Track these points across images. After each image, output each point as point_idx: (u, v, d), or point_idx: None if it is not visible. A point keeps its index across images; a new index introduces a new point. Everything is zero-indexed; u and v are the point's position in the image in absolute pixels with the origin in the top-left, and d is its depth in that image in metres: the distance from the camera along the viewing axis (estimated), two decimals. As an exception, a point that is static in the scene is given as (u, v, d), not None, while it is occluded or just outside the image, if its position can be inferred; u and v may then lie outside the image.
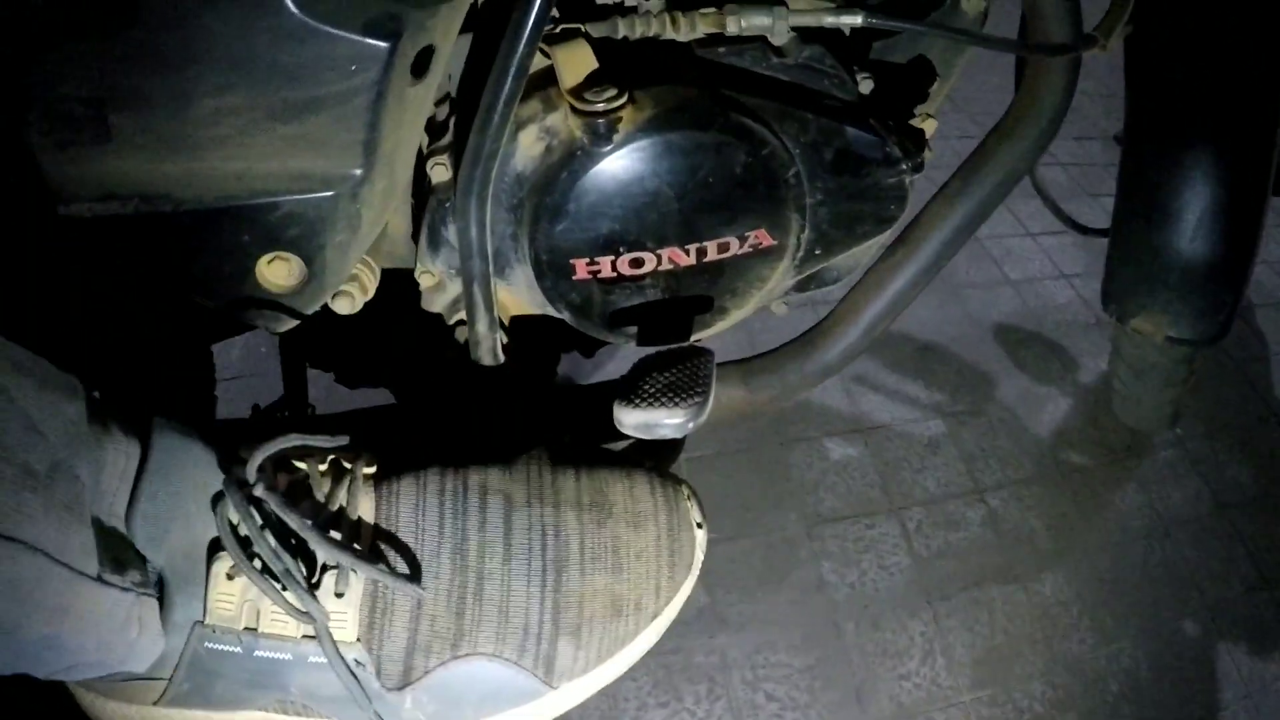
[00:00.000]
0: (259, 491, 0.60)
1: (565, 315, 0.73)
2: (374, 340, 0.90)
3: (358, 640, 0.62)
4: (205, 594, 0.60)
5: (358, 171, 0.61)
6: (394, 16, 0.54)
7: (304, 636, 0.61)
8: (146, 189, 0.59)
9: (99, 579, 0.53)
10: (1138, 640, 1.29)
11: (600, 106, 0.62)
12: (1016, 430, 1.47)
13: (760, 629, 1.16)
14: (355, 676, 0.62)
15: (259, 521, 0.60)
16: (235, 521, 0.60)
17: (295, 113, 0.56)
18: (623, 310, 0.73)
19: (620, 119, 0.63)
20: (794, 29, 0.69)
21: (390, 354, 0.93)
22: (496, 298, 0.71)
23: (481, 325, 0.73)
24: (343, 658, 0.61)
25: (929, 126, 0.82)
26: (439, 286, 0.74)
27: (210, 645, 0.60)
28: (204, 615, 0.60)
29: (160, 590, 0.59)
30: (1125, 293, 1.07)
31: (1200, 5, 0.92)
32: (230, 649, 0.61)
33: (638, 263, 0.70)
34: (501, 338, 0.75)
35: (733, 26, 0.66)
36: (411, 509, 0.66)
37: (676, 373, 0.70)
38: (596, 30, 0.65)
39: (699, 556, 0.71)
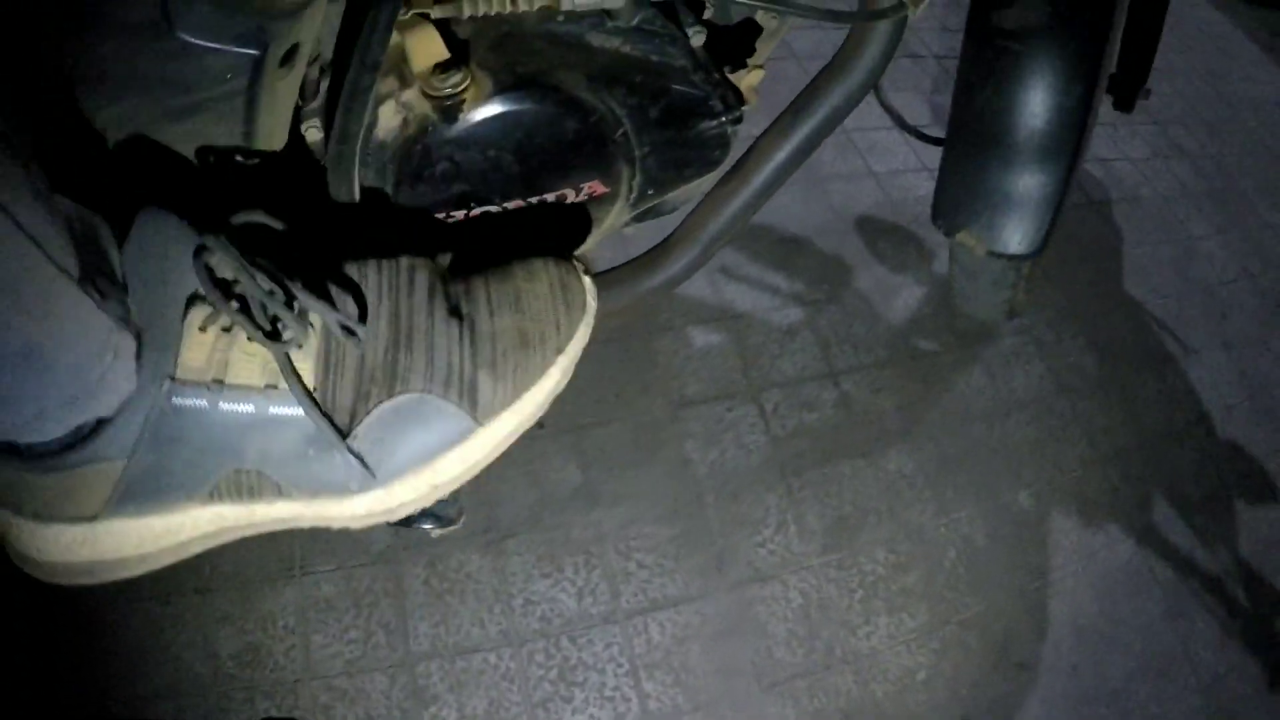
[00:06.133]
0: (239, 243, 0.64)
1: None
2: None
3: (315, 389, 0.67)
4: (178, 347, 0.62)
5: None
6: (262, 28, 0.60)
7: (267, 386, 0.65)
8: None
9: (81, 284, 0.54)
10: (975, 511, 1.39)
11: (446, 91, 0.70)
12: (871, 317, 1.55)
13: (630, 504, 1.25)
14: (323, 412, 0.66)
15: (243, 260, 0.63)
16: (213, 266, 0.63)
17: (182, 116, 0.64)
18: None
19: (464, 100, 0.72)
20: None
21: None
22: None
23: None
24: (310, 393, 0.66)
25: (756, 77, 0.90)
26: None
27: (177, 400, 0.62)
28: (174, 370, 0.62)
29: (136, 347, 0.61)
30: (951, 207, 1.12)
31: None
32: (196, 403, 0.63)
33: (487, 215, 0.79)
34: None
35: (567, 3, 0.73)
36: (356, 274, 0.72)
37: None
38: (443, 11, 0.72)
39: (590, 303, 0.77)
